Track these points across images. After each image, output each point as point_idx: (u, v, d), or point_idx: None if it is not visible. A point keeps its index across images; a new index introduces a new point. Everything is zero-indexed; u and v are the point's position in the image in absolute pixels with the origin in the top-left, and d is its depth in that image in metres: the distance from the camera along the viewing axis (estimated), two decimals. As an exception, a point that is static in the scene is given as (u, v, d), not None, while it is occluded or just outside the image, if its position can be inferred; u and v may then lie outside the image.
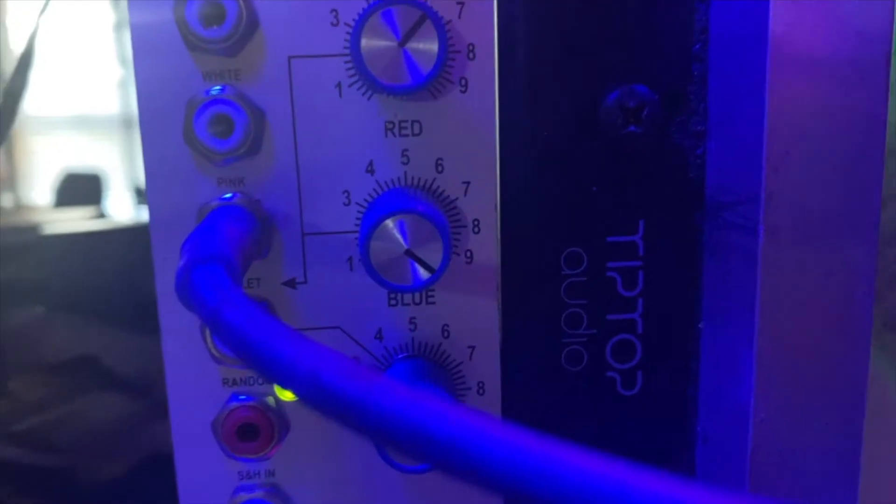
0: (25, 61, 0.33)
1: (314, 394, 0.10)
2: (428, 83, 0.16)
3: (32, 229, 0.48)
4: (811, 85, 0.15)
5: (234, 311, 0.12)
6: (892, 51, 0.16)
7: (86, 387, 0.38)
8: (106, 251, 0.48)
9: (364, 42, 0.15)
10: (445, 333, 0.19)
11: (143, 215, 0.81)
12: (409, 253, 0.16)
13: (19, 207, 0.75)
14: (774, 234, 0.16)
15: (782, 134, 0.16)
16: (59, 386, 0.38)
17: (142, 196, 0.88)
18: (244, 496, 0.19)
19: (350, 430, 0.10)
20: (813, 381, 0.16)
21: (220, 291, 0.12)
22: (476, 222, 0.18)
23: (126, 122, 1.13)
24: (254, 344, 0.11)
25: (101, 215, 0.62)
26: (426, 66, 0.15)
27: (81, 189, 0.83)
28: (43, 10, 0.32)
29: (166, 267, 0.18)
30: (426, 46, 0.15)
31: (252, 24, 0.17)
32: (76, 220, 0.57)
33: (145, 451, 0.35)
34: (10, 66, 0.35)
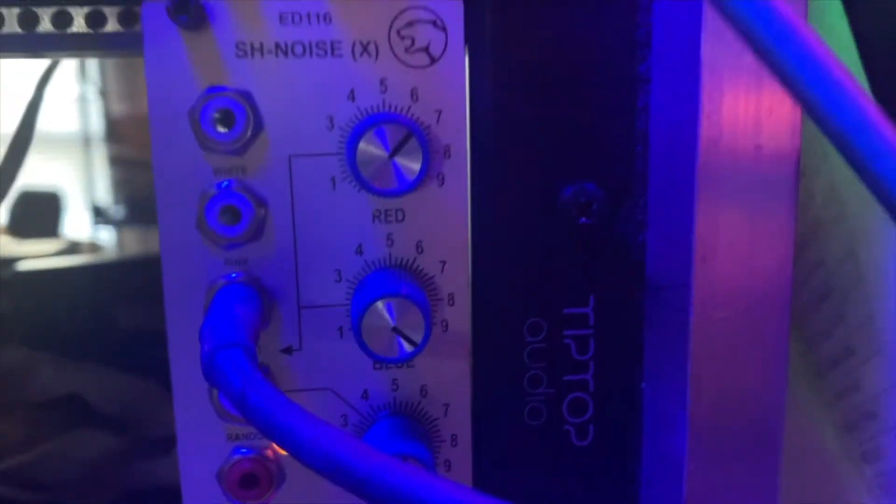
0: (21, 142, 0.35)
1: (328, 468, 0.13)
2: (412, 189, 0.18)
3: (7, 265, 0.50)
4: (734, 191, 0.19)
5: (257, 394, 0.14)
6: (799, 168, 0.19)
7: (70, 424, 0.40)
8: (83, 287, 0.50)
9: (359, 153, 0.18)
10: (423, 393, 0.21)
11: (110, 249, 0.82)
12: (395, 330, 0.19)
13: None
14: (703, 314, 0.19)
15: (710, 229, 0.19)
16: (43, 424, 0.40)
17: (100, 213, 0.89)
18: (245, 538, 0.21)
19: (352, 493, 0.13)
20: (736, 434, 0.20)
21: (242, 375, 0.15)
22: (451, 296, 0.21)
23: (85, 141, 1.13)
24: (277, 425, 0.14)
25: (71, 248, 0.64)
26: (411, 175, 0.18)
27: (38, 207, 0.83)
28: (45, 81, 0.34)
29: (179, 334, 0.20)
30: (411, 159, 0.18)
31: (258, 127, 0.19)
32: (51, 254, 0.58)
33: (130, 486, 0.37)
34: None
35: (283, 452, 0.21)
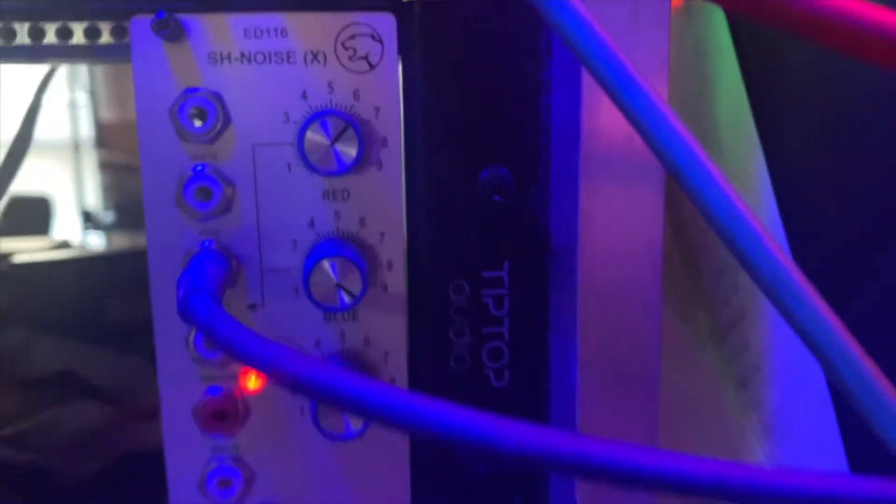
0: (21, 147, 0.38)
1: (276, 373, 0.17)
2: (349, 171, 0.23)
3: (7, 257, 0.54)
4: (611, 172, 0.23)
5: (221, 324, 0.18)
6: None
7: (65, 397, 0.44)
8: (74, 278, 0.54)
9: (307, 141, 0.23)
10: (367, 343, 0.26)
11: (99, 244, 0.85)
12: (338, 285, 0.23)
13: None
14: (587, 271, 0.23)
15: (591, 202, 0.23)
16: (41, 396, 0.44)
17: (89, 218, 0.93)
18: (215, 464, 0.25)
19: (296, 394, 0.17)
20: (619, 370, 0.24)
21: (209, 312, 0.19)
22: (389, 262, 0.25)
23: (75, 146, 1.16)
24: (236, 345, 0.18)
25: (62, 245, 0.68)
26: (348, 159, 0.23)
27: (28, 212, 0.87)
28: (43, 89, 0.38)
29: (161, 292, 0.24)
30: (349, 146, 0.23)
31: (226, 121, 0.24)
32: (42, 250, 0.62)
33: (119, 451, 0.41)
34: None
35: (248, 391, 0.25)
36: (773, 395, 0.29)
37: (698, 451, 0.34)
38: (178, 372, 0.25)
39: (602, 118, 0.23)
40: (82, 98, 0.96)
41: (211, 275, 0.21)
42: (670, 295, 0.37)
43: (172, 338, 0.25)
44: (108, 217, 0.88)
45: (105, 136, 0.94)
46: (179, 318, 0.21)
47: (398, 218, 0.25)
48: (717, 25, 0.31)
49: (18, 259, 0.54)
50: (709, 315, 0.34)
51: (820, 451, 0.27)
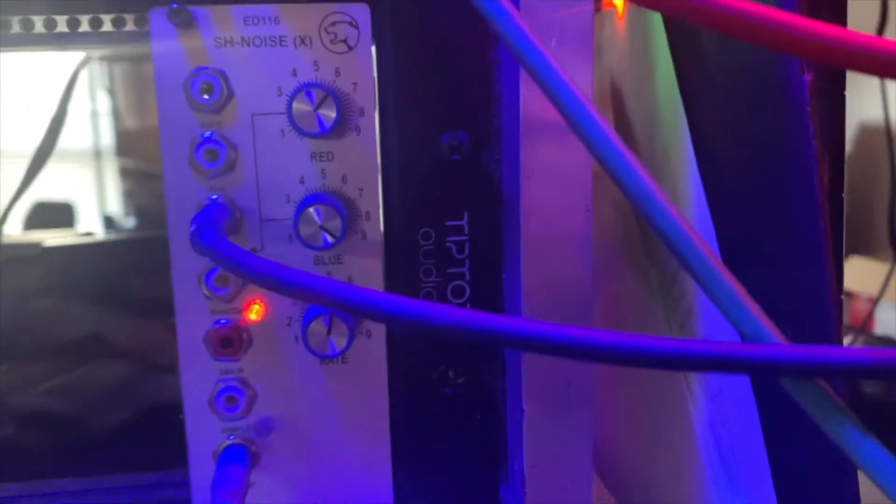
0: (57, 123, 0.43)
1: (267, 280, 0.22)
2: (331, 132, 0.28)
3: (38, 244, 0.60)
4: (547, 132, 0.28)
5: (223, 248, 0.23)
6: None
7: (93, 356, 0.49)
8: (100, 258, 0.59)
9: (294, 108, 0.27)
10: (350, 281, 0.30)
11: (122, 233, 0.90)
12: (321, 227, 0.28)
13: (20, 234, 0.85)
14: (528, 218, 0.28)
15: (530, 163, 0.28)
16: (72, 356, 0.49)
17: (111, 224, 0.98)
18: (223, 384, 0.30)
19: (284, 295, 0.22)
20: (555, 302, 0.29)
21: (214, 239, 0.24)
22: (367, 213, 0.30)
23: (97, 154, 1.21)
24: (236, 262, 0.23)
25: (88, 234, 0.73)
26: (328, 122, 0.27)
27: (52, 218, 0.92)
28: (67, 97, 0.42)
29: (178, 238, 0.29)
30: (329, 112, 0.27)
31: (230, 94, 0.29)
32: (67, 237, 0.68)
33: (141, 404, 0.46)
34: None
35: (251, 321, 0.30)
36: (701, 332, 0.33)
37: (645, 390, 0.38)
38: (192, 306, 0.30)
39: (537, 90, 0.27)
40: (104, 108, 1.02)
41: (217, 216, 0.26)
42: (628, 253, 0.41)
43: (187, 276, 0.30)
44: (130, 222, 0.93)
45: (125, 144, 0.99)
46: (192, 259, 0.26)
47: (374, 175, 0.30)
48: (656, 26, 0.35)
49: (48, 244, 0.60)
50: (658, 270, 0.38)
51: (739, 386, 0.32)
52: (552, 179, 0.28)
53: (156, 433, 0.41)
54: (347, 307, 0.20)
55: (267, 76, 0.29)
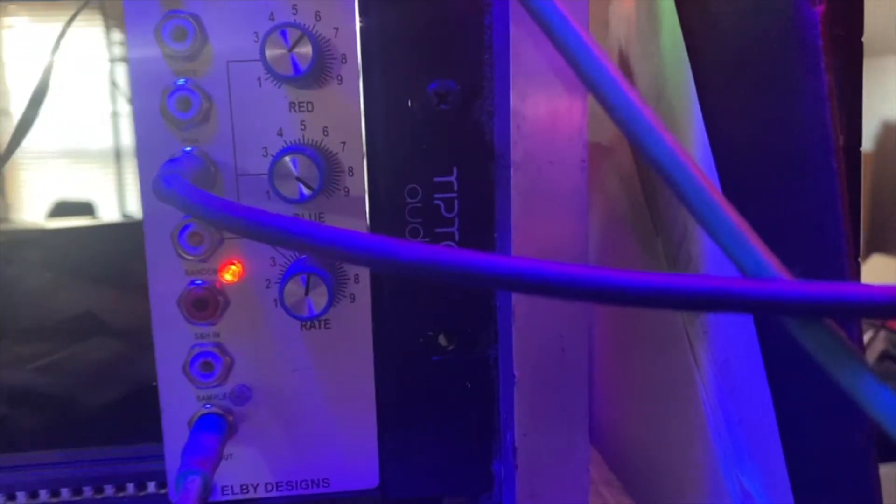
0: (39, 96, 0.42)
1: (228, 221, 0.20)
2: (308, 76, 0.26)
3: (40, 228, 0.59)
4: (538, 75, 0.26)
5: (184, 190, 0.22)
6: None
7: (85, 335, 0.48)
8: (99, 239, 0.58)
9: (267, 47, 0.26)
10: (331, 242, 0.29)
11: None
12: (298, 179, 0.26)
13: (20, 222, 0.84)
14: (519, 169, 0.26)
15: (520, 111, 0.26)
16: (64, 334, 0.48)
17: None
18: (198, 349, 0.29)
19: (250, 237, 0.20)
20: (546, 252, 0.27)
21: (176, 181, 0.22)
22: (350, 168, 0.28)
23: (117, 155, 1.21)
24: (195, 204, 0.21)
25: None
26: (304, 64, 0.26)
27: (73, 216, 0.92)
28: (56, 48, 0.42)
29: (149, 192, 0.28)
30: (304, 49, 0.26)
31: (204, 40, 0.27)
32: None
33: (130, 382, 0.44)
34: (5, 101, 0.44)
35: (227, 282, 0.28)
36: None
37: (649, 360, 0.36)
38: (165, 266, 0.28)
39: (528, 33, 0.25)
40: (124, 108, 1.02)
41: (183, 164, 0.25)
42: (634, 223, 0.39)
43: (160, 234, 0.28)
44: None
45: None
46: (164, 216, 0.25)
47: (357, 127, 0.28)
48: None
49: (50, 226, 0.59)
50: (664, 239, 0.36)
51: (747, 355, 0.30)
52: (544, 128, 0.26)
53: (145, 414, 0.40)
54: (309, 246, 0.18)
55: (243, 21, 0.27)
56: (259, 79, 0.27)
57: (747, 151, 0.26)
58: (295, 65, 0.26)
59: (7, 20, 0.74)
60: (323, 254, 0.18)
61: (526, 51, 0.26)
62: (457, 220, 0.29)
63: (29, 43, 0.49)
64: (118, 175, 1.16)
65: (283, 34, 0.26)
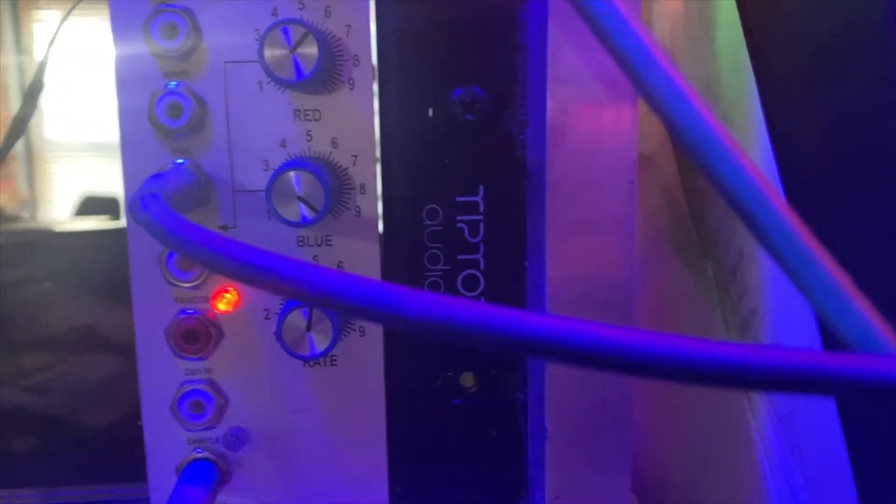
0: (35, 89, 0.40)
1: (205, 256, 0.17)
2: (311, 79, 0.22)
3: (46, 230, 0.56)
4: (580, 85, 0.22)
5: (162, 214, 0.18)
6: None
7: (83, 350, 0.45)
8: (98, 245, 0.55)
9: (266, 47, 0.22)
10: (340, 268, 0.25)
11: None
12: (300, 198, 0.23)
13: (33, 222, 0.82)
14: (556, 190, 0.22)
15: (559, 125, 0.22)
16: (62, 349, 0.45)
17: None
18: (188, 386, 0.25)
19: (233, 279, 0.17)
20: (590, 294, 0.23)
21: (153, 203, 0.19)
22: (362, 185, 0.25)
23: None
24: (171, 233, 0.18)
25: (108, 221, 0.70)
26: (308, 68, 0.22)
27: (100, 211, 0.90)
28: (52, 41, 0.39)
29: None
30: (309, 50, 0.22)
31: (198, 37, 0.24)
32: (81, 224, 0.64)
33: (130, 399, 0.41)
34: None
35: (220, 312, 0.25)
36: (768, 335, 0.27)
37: (699, 404, 0.32)
38: (152, 293, 0.25)
39: (570, 31, 0.22)
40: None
41: (169, 180, 0.21)
42: (679, 245, 0.35)
43: (146, 257, 0.25)
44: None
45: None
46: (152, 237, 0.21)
47: (371, 139, 0.25)
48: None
49: (56, 229, 0.56)
50: (714, 264, 0.32)
51: (816, 407, 0.26)
52: (587, 144, 0.22)
53: (136, 437, 0.37)
54: (302, 294, 0.15)
55: (242, 17, 0.24)
56: (260, 82, 0.24)
57: (823, 169, 0.22)
58: (297, 68, 0.22)
59: (39, 13, 0.71)
60: (317, 303, 0.15)
61: (567, 53, 0.22)
62: (482, 246, 0.25)
63: (60, 37, 0.46)
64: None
65: (285, 31, 0.22)
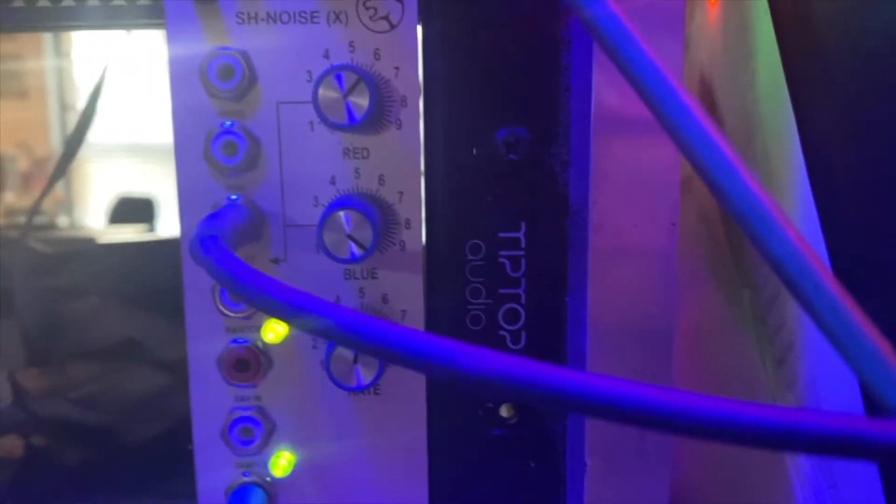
0: (97, 92, 0.41)
1: (268, 304, 0.18)
2: (361, 125, 0.23)
3: (90, 240, 0.57)
4: (623, 129, 0.23)
5: (223, 261, 0.19)
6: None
7: (127, 363, 0.46)
8: (145, 257, 0.57)
9: (320, 92, 0.23)
10: (385, 300, 0.26)
11: (176, 230, 0.90)
12: (349, 236, 0.24)
13: (74, 228, 0.84)
14: (598, 230, 0.23)
15: (603, 165, 0.23)
16: (106, 362, 0.46)
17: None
18: (238, 413, 0.26)
19: (284, 321, 0.18)
20: (630, 331, 0.23)
21: (215, 250, 0.20)
22: (407, 221, 0.26)
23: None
24: (233, 279, 0.19)
25: (148, 231, 0.71)
26: (360, 113, 0.23)
27: (134, 212, 0.92)
28: (97, 93, 0.41)
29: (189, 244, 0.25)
30: (361, 99, 0.23)
31: (253, 79, 0.25)
32: (129, 234, 0.66)
33: (176, 414, 0.42)
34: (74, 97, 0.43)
35: (270, 342, 0.26)
36: (804, 372, 0.28)
37: (735, 456, 0.33)
38: (205, 323, 0.26)
39: (614, 73, 0.22)
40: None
41: (226, 220, 0.22)
42: (716, 273, 0.36)
43: (200, 289, 0.26)
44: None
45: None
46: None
47: (416, 177, 0.25)
48: (760, 11, 0.30)
49: (102, 240, 0.57)
50: (752, 294, 0.33)
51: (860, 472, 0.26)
52: (630, 185, 0.23)
53: (187, 452, 0.38)
54: (357, 344, 0.16)
55: (295, 58, 0.25)
56: (311, 122, 0.25)
57: (866, 222, 0.22)
58: (350, 113, 0.23)
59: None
60: (372, 353, 0.16)
61: (610, 98, 0.23)
62: (523, 281, 0.26)
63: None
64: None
65: (338, 78, 0.23)
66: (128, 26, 0.31)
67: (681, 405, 0.14)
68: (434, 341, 0.16)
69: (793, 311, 0.28)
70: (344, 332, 0.16)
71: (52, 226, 0.72)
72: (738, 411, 0.14)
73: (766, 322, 0.31)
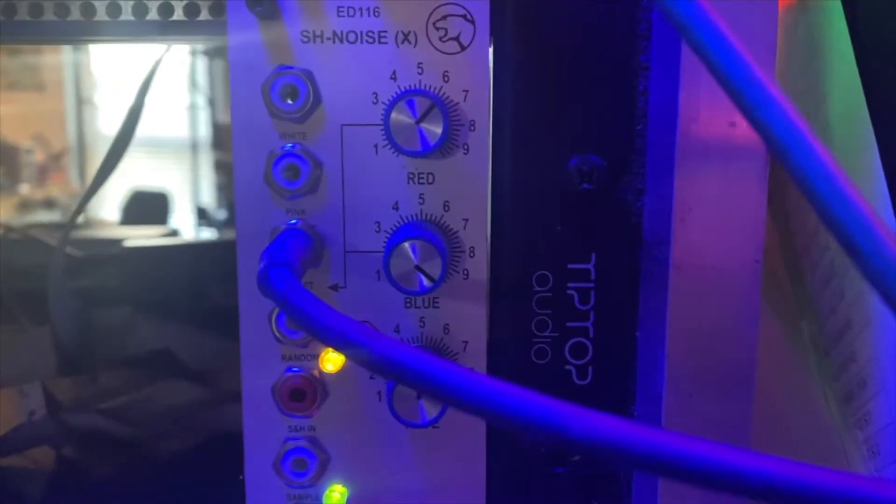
0: (147, 84, 0.40)
1: (345, 346, 0.17)
2: (433, 152, 0.22)
3: (117, 243, 0.56)
4: (709, 162, 0.22)
5: (295, 296, 0.18)
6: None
7: (160, 375, 0.45)
8: (179, 263, 0.56)
9: (392, 118, 0.22)
10: (446, 331, 0.25)
11: (207, 234, 0.89)
12: (417, 267, 0.23)
13: (89, 223, 0.84)
14: (680, 266, 0.22)
15: (687, 199, 0.22)
16: (138, 373, 0.45)
17: (203, 214, 0.97)
18: (292, 444, 0.25)
19: (364, 367, 0.17)
20: (710, 372, 0.22)
21: (287, 283, 0.19)
22: (472, 249, 0.25)
23: (193, 146, 1.22)
24: (309, 317, 0.18)
25: (173, 233, 0.70)
26: (433, 139, 0.22)
27: (149, 206, 0.92)
28: (144, 90, 0.40)
29: (248, 272, 0.25)
30: (434, 126, 0.22)
31: (317, 100, 0.24)
32: (154, 237, 0.65)
33: (210, 429, 0.42)
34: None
35: (327, 372, 0.25)
36: (880, 411, 0.27)
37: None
38: (260, 349, 0.25)
39: (701, 102, 0.21)
40: (201, 101, 1.02)
41: (292, 249, 0.21)
42: (773, 302, 0.35)
43: (256, 314, 0.25)
44: (221, 214, 0.92)
45: (222, 138, 0.98)
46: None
47: (483, 204, 0.24)
48: (833, 19, 0.29)
49: (130, 244, 0.56)
50: (812, 325, 0.32)
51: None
52: (716, 221, 0.22)
53: (218, 466, 0.37)
54: (430, 391, 0.15)
55: (361, 79, 0.24)
56: (376, 145, 0.24)
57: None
58: (423, 140, 0.22)
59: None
60: (443, 401, 0.15)
61: (696, 129, 0.22)
62: (592, 314, 0.25)
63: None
64: (193, 166, 1.16)
65: (411, 104, 0.22)
66: (190, 41, 0.30)
67: (770, 471, 0.13)
68: (498, 388, 0.15)
69: (866, 345, 0.27)
70: (428, 381, 0.15)
71: (80, 225, 0.71)
72: (826, 480, 0.13)
73: (830, 355, 0.30)
